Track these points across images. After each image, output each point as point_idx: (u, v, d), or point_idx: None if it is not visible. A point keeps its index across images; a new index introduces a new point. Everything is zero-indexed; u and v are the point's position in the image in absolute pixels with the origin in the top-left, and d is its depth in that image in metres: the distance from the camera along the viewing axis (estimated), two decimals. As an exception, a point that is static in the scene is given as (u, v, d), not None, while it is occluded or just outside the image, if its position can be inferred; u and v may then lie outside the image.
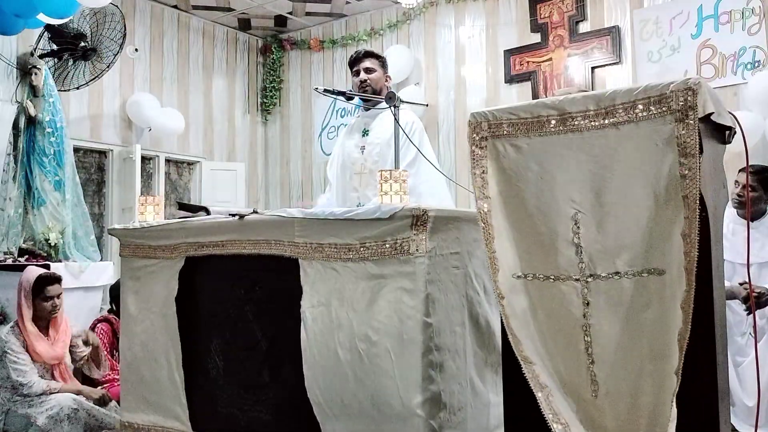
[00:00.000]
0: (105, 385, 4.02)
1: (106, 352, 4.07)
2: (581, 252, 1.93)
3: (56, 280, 3.76)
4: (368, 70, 3.47)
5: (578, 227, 1.93)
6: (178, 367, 2.96)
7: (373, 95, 3.45)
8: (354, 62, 3.52)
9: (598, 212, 1.90)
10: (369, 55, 3.52)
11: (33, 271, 3.78)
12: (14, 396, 3.54)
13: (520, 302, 2.00)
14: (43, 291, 3.67)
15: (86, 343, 3.86)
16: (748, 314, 3.36)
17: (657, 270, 1.84)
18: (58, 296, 3.74)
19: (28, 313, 3.64)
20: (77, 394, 3.59)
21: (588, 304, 1.93)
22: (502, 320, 2.10)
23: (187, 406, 2.94)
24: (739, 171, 3.57)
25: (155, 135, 6.38)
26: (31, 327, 3.63)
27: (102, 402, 3.64)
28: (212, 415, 2.89)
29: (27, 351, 3.59)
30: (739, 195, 3.51)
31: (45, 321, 3.71)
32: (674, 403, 1.76)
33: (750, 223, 3.21)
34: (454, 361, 2.46)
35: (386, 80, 3.53)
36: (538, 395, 1.90)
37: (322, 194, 3.76)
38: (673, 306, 1.81)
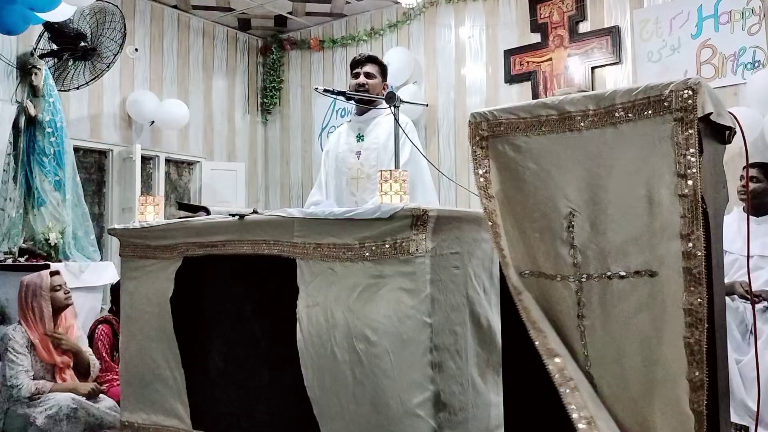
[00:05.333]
0: (105, 385, 4.01)
1: (106, 354, 4.05)
2: (575, 251, 1.92)
3: (57, 272, 3.90)
4: (368, 75, 3.49)
5: (572, 226, 1.92)
6: (177, 367, 2.97)
7: (370, 96, 3.46)
8: (356, 64, 3.53)
9: (592, 211, 1.90)
10: (372, 60, 3.54)
11: (39, 274, 3.79)
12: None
13: (530, 299, 1.99)
14: (51, 283, 3.76)
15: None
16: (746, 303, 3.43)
17: (650, 272, 1.82)
18: (65, 283, 3.84)
19: (48, 314, 3.65)
20: (72, 392, 3.56)
21: (582, 304, 1.92)
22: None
23: (188, 405, 2.94)
24: (744, 167, 3.63)
25: (157, 131, 6.38)
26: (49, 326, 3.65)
27: (92, 395, 3.61)
28: (212, 415, 2.89)
29: (34, 349, 3.58)
30: (743, 186, 3.58)
31: (56, 317, 3.72)
32: (700, 412, 1.75)
33: (756, 218, 3.24)
34: (455, 362, 2.45)
35: (383, 88, 3.54)
36: (562, 390, 1.83)
37: (315, 196, 3.62)
38: (666, 308, 1.80)
